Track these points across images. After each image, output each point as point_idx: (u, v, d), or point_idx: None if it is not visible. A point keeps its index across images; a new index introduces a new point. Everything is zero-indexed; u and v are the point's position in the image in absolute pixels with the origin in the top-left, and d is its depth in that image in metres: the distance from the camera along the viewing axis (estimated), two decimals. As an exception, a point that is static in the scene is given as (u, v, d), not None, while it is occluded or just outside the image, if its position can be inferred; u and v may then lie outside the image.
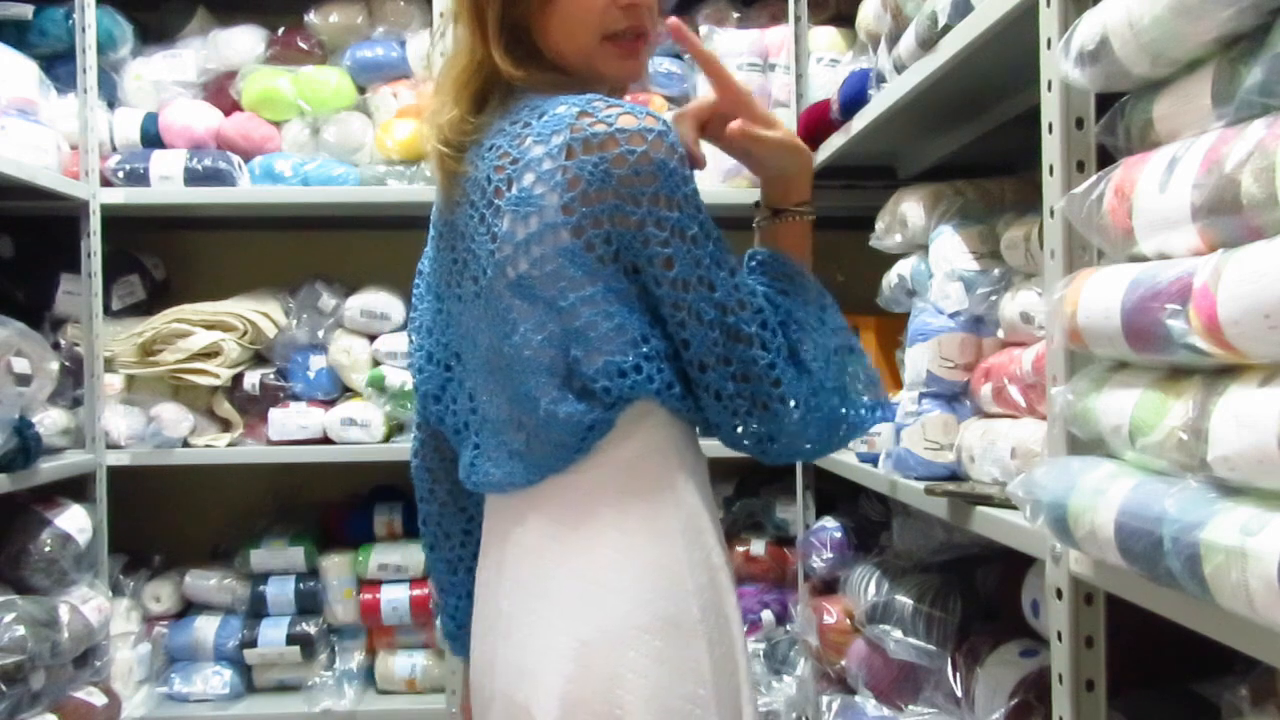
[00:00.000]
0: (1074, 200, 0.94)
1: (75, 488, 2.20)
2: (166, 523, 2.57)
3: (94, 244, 2.29)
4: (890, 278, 1.70)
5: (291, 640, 2.36)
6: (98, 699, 2.05)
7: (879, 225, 1.74)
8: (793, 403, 1.04)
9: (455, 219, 1.11)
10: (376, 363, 2.39)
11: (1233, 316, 0.71)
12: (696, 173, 1.06)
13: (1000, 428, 1.35)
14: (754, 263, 1.12)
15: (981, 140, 1.81)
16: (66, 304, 2.33)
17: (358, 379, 2.37)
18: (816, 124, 2.02)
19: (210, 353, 2.30)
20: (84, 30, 2.28)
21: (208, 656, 2.39)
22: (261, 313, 2.37)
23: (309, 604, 2.41)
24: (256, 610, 2.40)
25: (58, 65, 2.31)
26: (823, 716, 1.88)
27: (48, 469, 2.05)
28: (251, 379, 2.37)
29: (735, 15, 2.49)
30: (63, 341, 2.30)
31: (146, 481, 2.43)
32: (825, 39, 2.26)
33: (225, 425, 2.38)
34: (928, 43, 1.46)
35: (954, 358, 1.48)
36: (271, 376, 2.38)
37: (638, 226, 1.00)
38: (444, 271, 1.16)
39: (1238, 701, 0.93)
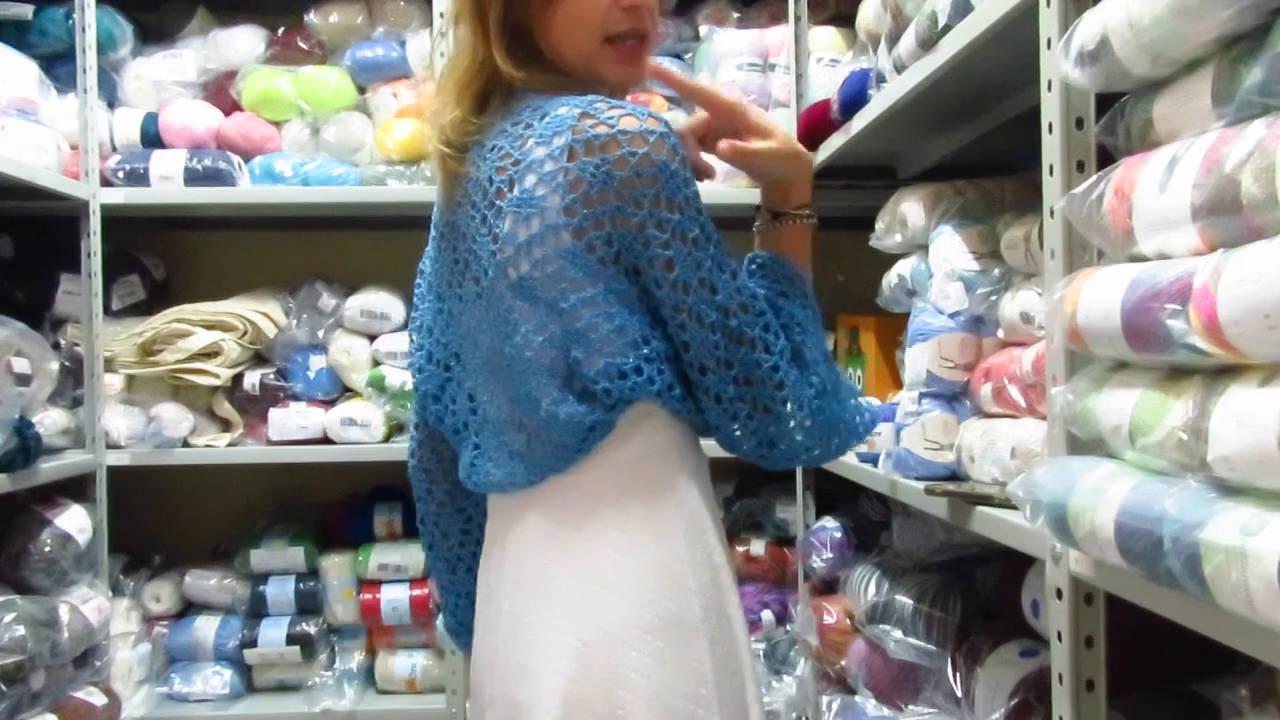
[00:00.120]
0: (1074, 200, 0.94)
1: (75, 488, 2.20)
2: (166, 523, 2.57)
3: (94, 244, 2.29)
4: (890, 278, 1.70)
5: (291, 640, 2.36)
6: (98, 699, 2.06)
7: (879, 225, 1.74)
8: (796, 405, 1.04)
9: (457, 219, 1.11)
10: (376, 363, 2.39)
11: (1233, 316, 0.71)
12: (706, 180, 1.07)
13: (1000, 428, 1.35)
14: (754, 266, 1.12)
15: (981, 140, 1.81)
16: (66, 304, 2.33)
17: (358, 379, 2.38)
18: (816, 124, 2.02)
19: (210, 353, 2.30)
20: (84, 30, 2.28)
21: (208, 656, 2.39)
22: (261, 313, 2.37)
23: (309, 604, 2.41)
24: (256, 610, 2.40)
25: (58, 65, 2.31)
26: (823, 716, 1.88)
27: (48, 469, 2.05)
28: (251, 379, 2.37)
29: (735, 15, 2.49)
30: (63, 341, 2.30)
31: (146, 481, 2.43)
32: (825, 39, 2.25)
33: (225, 425, 2.38)
34: (928, 43, 1.46)
35: (954, 358, 1.48)
36: (271, 376, 2.38)
37: (639, 228, 1.00)
38: (445, 272, 1.16)
39: (1238, 701, 0.93)
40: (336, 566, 2.42)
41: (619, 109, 1.01)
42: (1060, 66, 0.97)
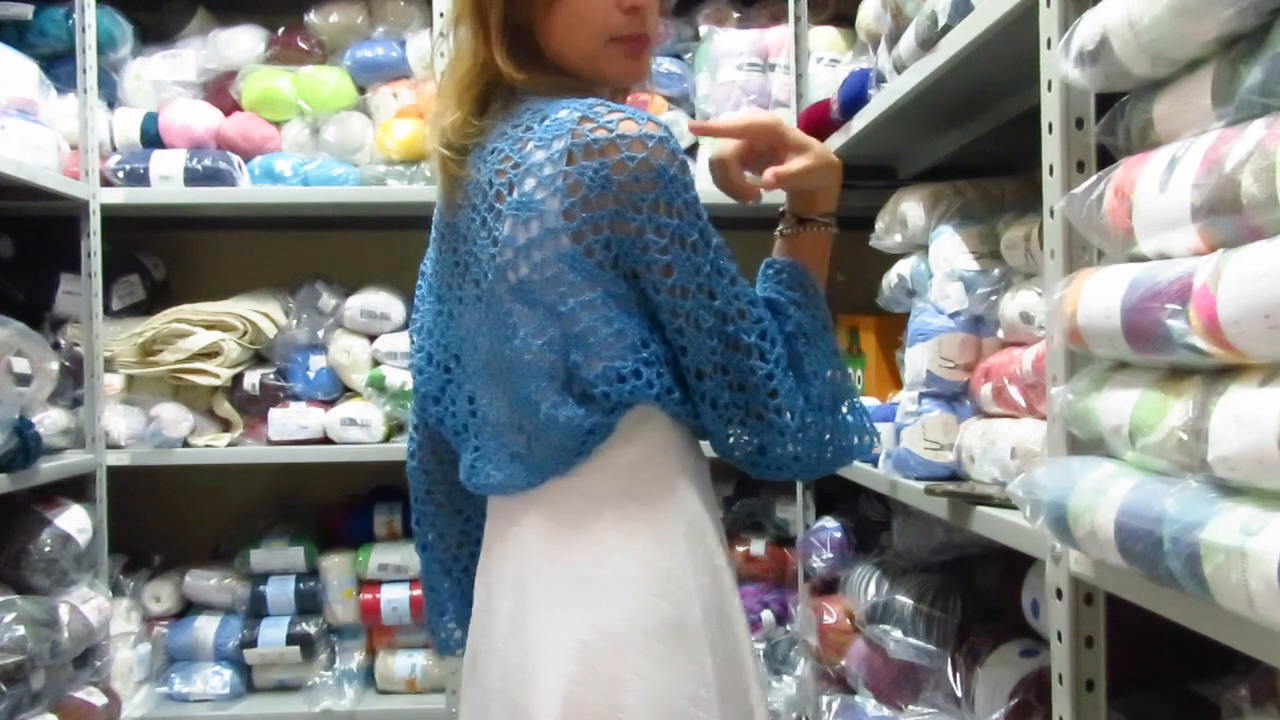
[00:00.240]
0: (1074, 200, 0.94)
1: (75, 488, 2.20)
2: (166, 523, 2.57)
3: (94, 244, 2.29)
4: (890, 278, 1.70)
5: (291, 640, 2.36)
6: (98, 699, 2.05)
7: (879, 225, 1.74)
8: (789, 414, 1.04)
9: (457, 221, 1.11)
10: (376, 363, 2.39)
11: (1233, 316, 0.71)
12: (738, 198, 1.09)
13: (1000, 428, 1.35)
14: (771, 271, 1.12)
15: (981, 140, 1.81)
16: (66, 304, 2.33)
17: (358, 379, 2.37)
18: (816, 124, 2.02)
19: (210, 353, 2.30)
20: (84, 30, 2.28)
21: (208, 656, 2.39)
22: (261, 313, 2.37)
23: (309, 604, 2.41)
24: (256, 610, 2.40)
25: (58, 65, 2.31)
26: (823, 716, 1.88)
27: (48, 469, 2.05)
28: (251, 379, 2.37)
29: (735, 15, 2.49)
30: (63, 341, 2.29)
31: (146, 481, 2.43)
32: (825, 39, 2.25)
33: (225, 425, 2.38)
34: (928, 43, 1.46)
35: (954, 358, 1.48)
36: (271, 376, 2.38)
37: (637, 233, 1.00)
38: (445, 273, 1.16)
39: (1238, 701, 0.93)
40: (336, 566, 2.41)
41: (619, 113, 1.01)
42: (1060, 66, 0.97)
